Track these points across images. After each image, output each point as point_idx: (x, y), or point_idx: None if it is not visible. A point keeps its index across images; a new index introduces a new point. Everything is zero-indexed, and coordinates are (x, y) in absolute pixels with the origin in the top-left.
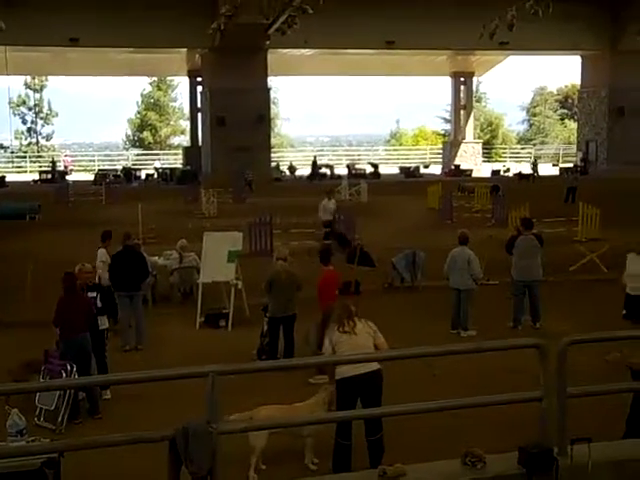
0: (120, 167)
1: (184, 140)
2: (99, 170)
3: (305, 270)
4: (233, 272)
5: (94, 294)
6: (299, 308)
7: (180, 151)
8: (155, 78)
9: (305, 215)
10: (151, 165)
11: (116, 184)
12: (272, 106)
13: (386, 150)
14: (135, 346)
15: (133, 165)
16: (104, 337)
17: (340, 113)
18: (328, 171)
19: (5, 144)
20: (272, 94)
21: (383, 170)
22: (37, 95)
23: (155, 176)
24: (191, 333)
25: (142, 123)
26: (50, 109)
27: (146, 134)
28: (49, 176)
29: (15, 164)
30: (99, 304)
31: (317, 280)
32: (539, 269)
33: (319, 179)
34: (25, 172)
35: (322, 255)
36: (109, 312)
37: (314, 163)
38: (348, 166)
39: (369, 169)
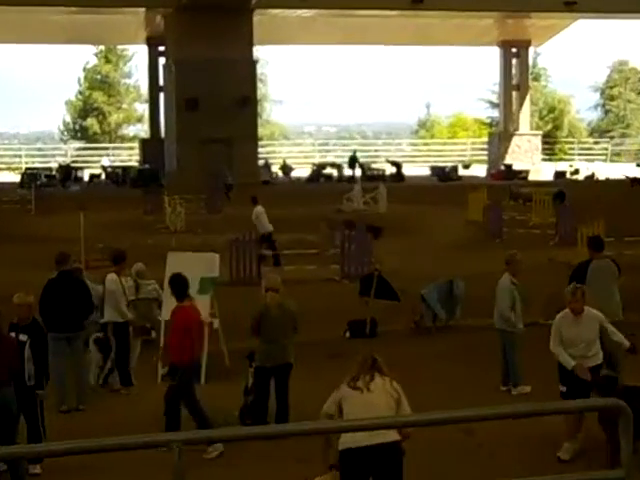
0: (55, 165)
1: (141, 130)
2: (27, 169)
3: (304, 304)
4: (207, 307)
5: (24, 337)
6: (296, 355)
7: (136, 144)
8: (102, 47)
9: (304, 230)
10: (97, 163)
11: (50, 187)
12: (259, 85)
13: (412, 144)
14: (76, 406)
15: (73, 162)
16: (34, 393)
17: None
18: (334, 172)
19: None
20: (259, 69)
21: (408, 171)
22: None
23: (102, 177)
24: (151, 388)
25: (85, 107)
26: None
27: (91, 121)
28: None
29: None
30: (27, 352)
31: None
32: (618, 305)
33: (323, 181)
34: None
35: (175, 285)
36: (39, 362)
37: (320, 166)
38: (362, 165)
39: (389, 169)
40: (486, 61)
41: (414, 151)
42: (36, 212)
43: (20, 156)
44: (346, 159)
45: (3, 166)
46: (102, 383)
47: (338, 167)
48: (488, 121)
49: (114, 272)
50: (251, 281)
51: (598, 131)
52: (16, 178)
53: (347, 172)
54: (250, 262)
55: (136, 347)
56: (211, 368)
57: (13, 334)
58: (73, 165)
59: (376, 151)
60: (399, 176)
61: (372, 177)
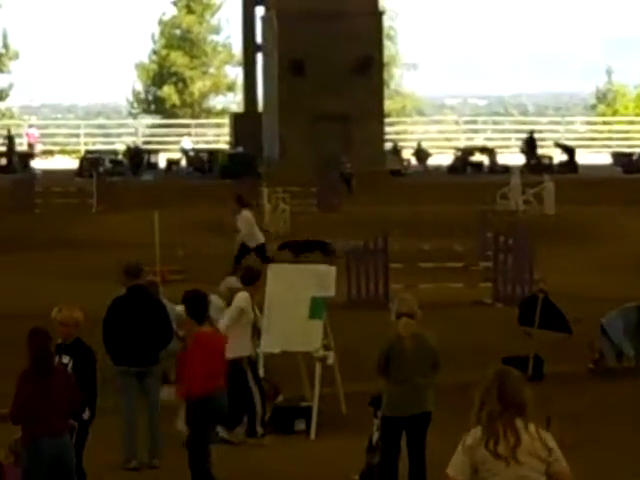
0: (123, 147)
1: (232, 102)
2: (87, 152)
3: (445, 334)
4: (319, 336)
5: (66, 359)
6: (436, 401)
7: (226, 121)
8: None
9: (446, 236)
10: (176, 145)
11: (116, 176)
12: (386, 44)
13: (589, 123)
14: (148, 462)
15: (145, 144)
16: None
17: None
18: (485, 159)
19: None
20: (387, 22)
21: (583, 158)
22: None
23: (182, 163)
24: (245, 440)
25: (161, 71)
26: (6, 46)
27: (168, 90)
28: (2, 161)
29: None
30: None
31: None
32: None
33: (470, 172)
34: None
35: (190, 303)
36: (85, 392)
37: (466, 152)
38: (525, 150)
39: (558, 156)
40: None
41: (590, 132)
42: (98, 208)
43: (78, 135)
44: (499, 142)
45: (56, 148)
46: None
47: (490, 152)
48: None
49: (246, 291)
50: (376, 303)
51: None
52: (73, 164)
53: (512, 160)
54: (375, 277)
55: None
56: (324, 417)
57: (57, 358)
58: (145, 147)
59: (540, 132)
60: (571, 165)
61: (535, 167)
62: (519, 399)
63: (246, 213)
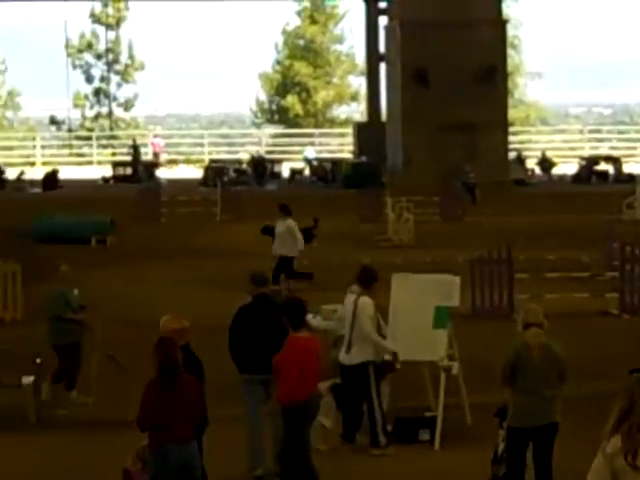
0: (247, 157)
1: (356, 111)
2: (211, 162)
3: (570, 344)
4: (444, 345)
5: None
6: (562, 412)
7: (349, 130)
8: (306, 3)
9: (571, 246)
10: (299, 154)
11: (240, 185)
12: (510, 52)
13: None
14: (274, 469)
15: (268, 153)
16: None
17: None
18: (611, 168)
19: (59, 117)
20: (511, 31)
21: None
22: (111, 34)
23: (306, 173)
24: (369, 449)
25: (284, 81)
26: (132, 57)
27: (291, 100)
28: (128, 171)
29: (74, 150)
30: None
31: None
32: None
33: (595, 182)
34: (90, 163)
35: (288, 309)
36: None
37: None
38: None
39: None
40: None
41: None
42: (222, 217)
43: (202, 145)
44: (624, 150)
45: (181, 158)
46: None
47: (616, 161)
48: None
49: (366, 295)
50: (500, 313)
51: None
52: (197, 173)
53: (638, 169)
54: (500, 287)
55: (386, 392)
56: (448, 427)
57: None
58: (269, 157)
59: None
60: None
61: None
62: None
63: (290, 222)
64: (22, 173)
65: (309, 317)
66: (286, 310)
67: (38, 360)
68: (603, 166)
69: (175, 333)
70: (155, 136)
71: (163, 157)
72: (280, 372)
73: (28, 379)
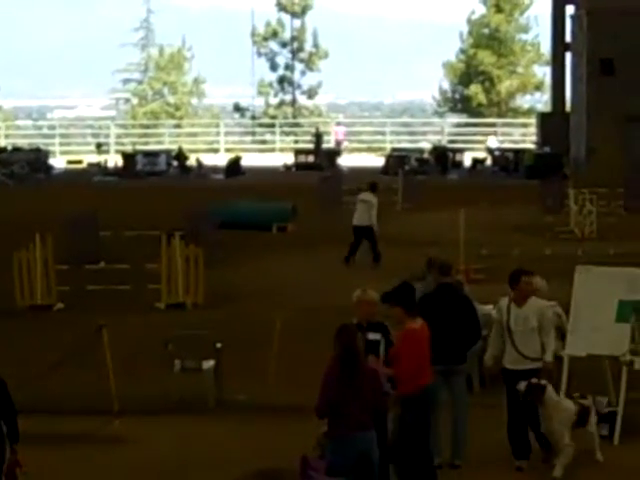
0: (428, 146)
1: (539, 101)
2: (393, 150)
3: None
4: (627, 339)
5: (377, 336)
6: None
7: (532, 120)
8: None
9: None
10: (481, 143)
11: (422, 175)
12: None
13: None
14: (451, 461)
15: (450, 143)
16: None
17: None
18: None
19: (242, 104)
20: None
21: None
22: (297, 22)
23: (488, 162)
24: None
25: (468, 70)
26: (316, 45)
27: (475, 89)
28: (310, 158)
29: (257, 137)
30: (381, 353)
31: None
32: None
33: None
34: (272, 151)
35: (400, 293)
36: None
37: None
38: None
39: None
40: None
41: None
42: (403, 206)
43: (384, 133)
44: None
45: (362, 146)
46: None
47: None
48: None
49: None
50: None
51: None
52: (378, 161)
53: None
54: None
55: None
56: (629, 423)
57: (359, 334)
58: (451, 147)
59: None
60: None
61: None
62: None
63: (373, 197)
64: (199, 161)
65: (489, 309)
66: (398, 294)
67: (219, 345)
68: None
69: (367, 305)
70: (337, 124)
71: (345, 145)
72: (400, 362)
73: (208, 363)
